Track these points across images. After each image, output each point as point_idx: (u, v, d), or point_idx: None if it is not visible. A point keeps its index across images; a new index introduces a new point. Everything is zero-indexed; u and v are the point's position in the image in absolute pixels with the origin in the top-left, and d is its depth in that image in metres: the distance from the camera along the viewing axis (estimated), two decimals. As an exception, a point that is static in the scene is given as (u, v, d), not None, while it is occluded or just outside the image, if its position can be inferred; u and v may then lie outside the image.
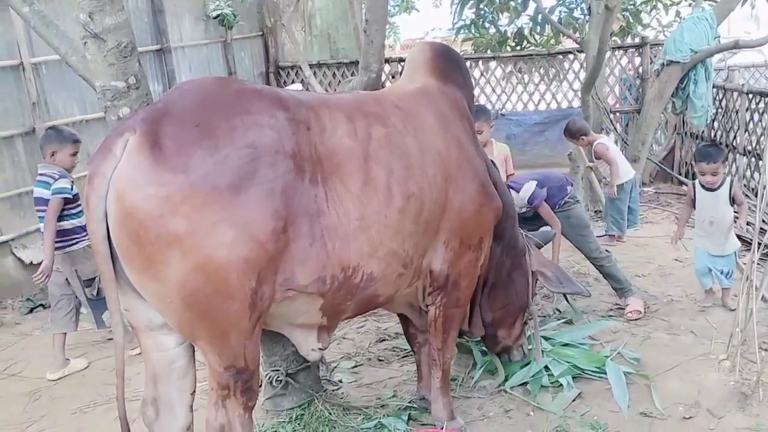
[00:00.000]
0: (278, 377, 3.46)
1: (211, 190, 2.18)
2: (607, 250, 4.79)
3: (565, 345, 4.04)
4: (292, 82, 9.82)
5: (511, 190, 4.49)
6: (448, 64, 3.30)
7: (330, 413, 3.48)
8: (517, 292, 3.70)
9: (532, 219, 4.68)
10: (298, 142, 2.43)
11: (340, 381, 3.94)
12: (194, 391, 2.63)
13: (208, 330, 2.31)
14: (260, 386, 2.95)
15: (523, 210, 4.63)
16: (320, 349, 2.83)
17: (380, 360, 4.27)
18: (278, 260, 2.35)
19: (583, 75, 8.87)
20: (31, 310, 5.66)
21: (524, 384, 3.76)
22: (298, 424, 3.44)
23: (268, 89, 2.55)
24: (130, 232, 2.17)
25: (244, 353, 2.40)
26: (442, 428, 3.27)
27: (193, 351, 2.60)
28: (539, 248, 3.89)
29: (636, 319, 4.60)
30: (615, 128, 8.66)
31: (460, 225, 3.01)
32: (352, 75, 9.41)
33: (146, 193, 2.15)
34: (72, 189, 4.30)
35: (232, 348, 2.37)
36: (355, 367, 4.19)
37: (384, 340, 4.57)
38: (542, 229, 4.61)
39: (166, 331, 2.48)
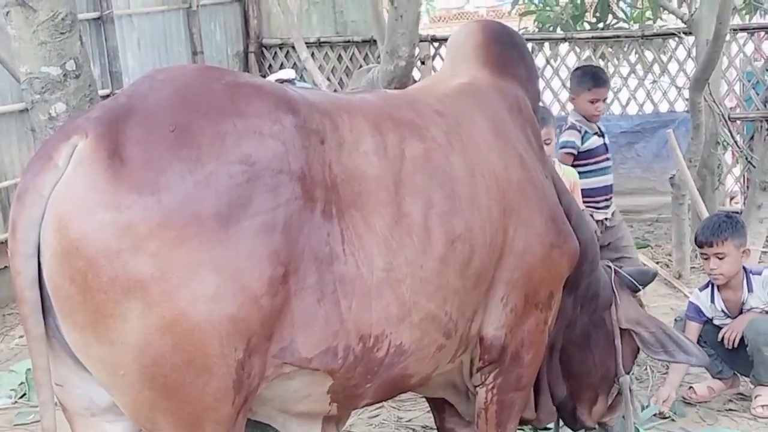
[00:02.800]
0: (259, 488, 3.48)
1: (190, 221, 2.22)
2: None
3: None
4: (281, 66, 9.90)
5: (751, 275, 4.73)
6: (506, 52, 3.37)
7: None
8: (597, 359, 3.74)
9: None
10: (308, 160, 2.48)
11: (346, 494, 3.96)
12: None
13: (174, 417, 2.33)
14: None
15: (759, 308, 4.79)
16: (325, 448, 2.85)
17: (402, 465, 4.29)
18: (274, 322, 2.39)
19: (691, 66, 8.92)
20: None
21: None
22: None
23: (271, 85, 2.61)
24: (73, 274, 2.20)
25: (223, 452, 2.43)
26: None
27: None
28: (635, 292, 3.91)
29: (768, 417, 4.64)
30: (735, 141, 8.68)
31: (523, 275, 3.06)
32: (365, 59, 9.50)
33: (99, 220, 2.18)
34: None
35: (207, 444, 2.39)
36: (366, 474, 4.22)
37: (407, 436, 4.58)
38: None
39: (112, 417, 2.51)
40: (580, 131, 5.63)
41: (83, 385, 2.44)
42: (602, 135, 5.72)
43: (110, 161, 2.21)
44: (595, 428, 3.96)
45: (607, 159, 5.74)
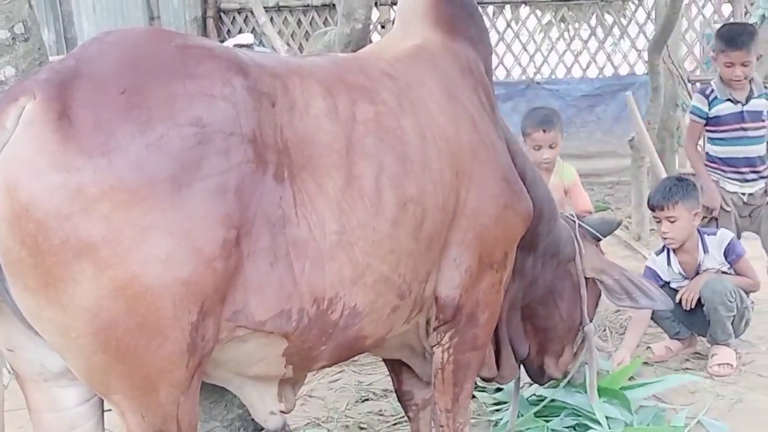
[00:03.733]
0: (219, 451, 3.51)
1: (142, 183, 2.22)
2: None
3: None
4: (240, 32, 9.86)
5: (706, 236, 4.82)
6: (456, 12, 3.38)
7: (291, 503, 3.54)
8: (564, 312, 3.83)
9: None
10: (259, 123, 2.48)
11: (306, 457, 4.00)
12: (103, 470, 2.66)
13: (128, 380, 2.34)
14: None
15: (715, 268, 4.85)
16: (282, 412, 2.87)
17: (362, 428, 4.32)
18: (227, 285, 2.40)
19: (651, 29, 9.00)
20: None
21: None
22: None
23: (222, 47, 2.60)
24: (23, 237, 2.19)
25: (178, 415, 2.43)
26: None
27: (103, 412, 2.62)
28: (598, 242, 3.99)
29: (724, 375, 4.72)
30: (694, 104, 8.78)
31: (476, 236, 3.09)
32: (324, 23, 9.48)
33: (49, 183, 2.17)
34: None
35: (162, 407, 2.39)
36: (327, 437, 4.24)
37: (367, 399, 4.63)
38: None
39: (65, 382, 2.51)
40: (707, 96, 5.32)
41: (35, 349, 2.44)
42: (745, 102, 5.26)
43: (59, 123, 2.19)
44: (559, 378, 4.04)
45: (742, 129, 5.29)
